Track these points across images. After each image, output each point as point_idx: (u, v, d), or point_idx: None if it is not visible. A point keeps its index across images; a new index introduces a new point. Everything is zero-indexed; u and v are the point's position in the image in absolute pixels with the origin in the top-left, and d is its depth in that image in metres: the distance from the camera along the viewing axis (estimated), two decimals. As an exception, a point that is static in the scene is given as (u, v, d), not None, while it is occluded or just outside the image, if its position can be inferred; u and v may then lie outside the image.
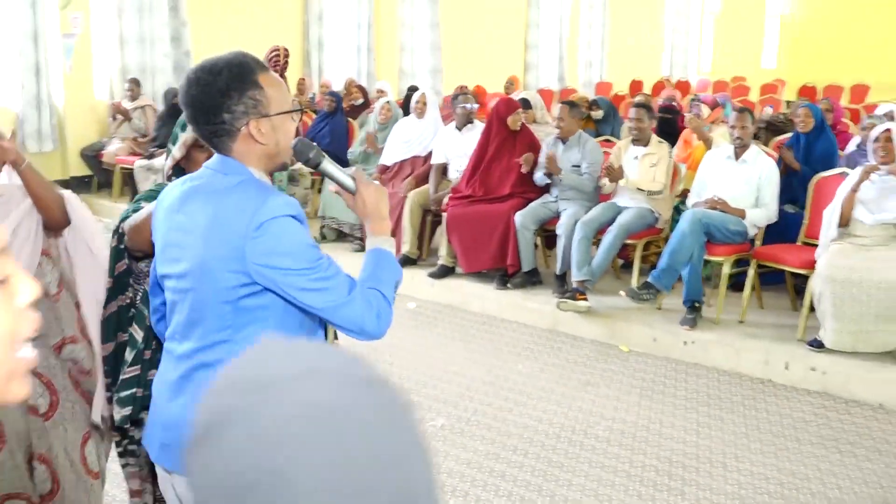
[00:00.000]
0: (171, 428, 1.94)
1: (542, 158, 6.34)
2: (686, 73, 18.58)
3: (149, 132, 9.55)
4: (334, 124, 8.90)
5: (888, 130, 5.03)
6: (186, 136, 2.44)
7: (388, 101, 8.07)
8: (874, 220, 5.03)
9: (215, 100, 1.89)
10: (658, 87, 15.31)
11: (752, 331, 5.47)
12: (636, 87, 15.89)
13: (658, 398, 4.85)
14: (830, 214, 5.13)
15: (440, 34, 13.60)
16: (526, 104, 8.25)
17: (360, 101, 10.44)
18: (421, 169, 7.30)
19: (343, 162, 8.33)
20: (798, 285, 5.77)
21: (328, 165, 2.06)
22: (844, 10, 19.97)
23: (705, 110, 7.36)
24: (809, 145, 6.16)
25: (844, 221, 5.11)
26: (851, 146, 6.30)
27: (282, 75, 8.74)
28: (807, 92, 16.77)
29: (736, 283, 5.76)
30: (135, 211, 2.51)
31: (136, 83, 9.86)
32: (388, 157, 7.55)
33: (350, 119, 9.33)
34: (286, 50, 8.31)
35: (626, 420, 4.55)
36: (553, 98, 13.03)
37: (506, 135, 6.56)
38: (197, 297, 1.92)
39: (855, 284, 4.83)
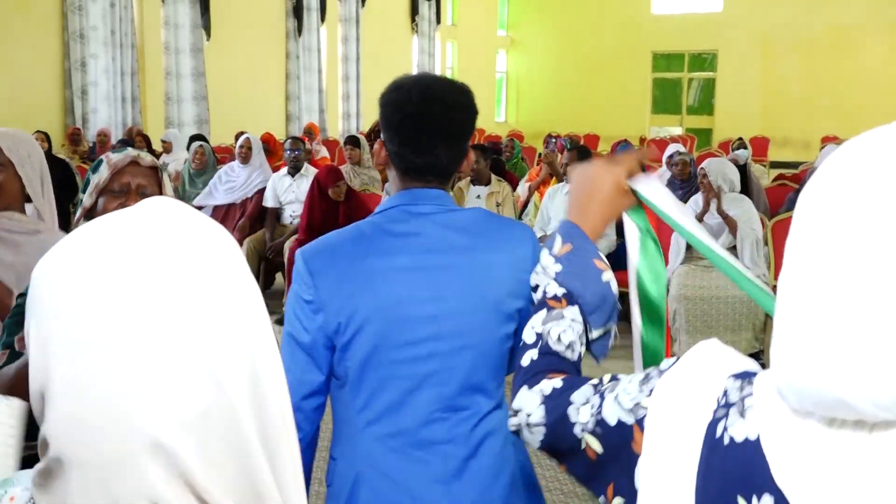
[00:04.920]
0: None
1: None
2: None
3: None
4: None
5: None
6: (100, 177, 1.94)
7: (201, 145, 7.77)
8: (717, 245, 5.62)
9: (472, 119, 1.65)
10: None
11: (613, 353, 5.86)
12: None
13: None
14: (678, 241, 5.67)
15: (205, 84, 13.31)
16: (355, 141, 8.25)
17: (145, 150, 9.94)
18: (251, 207, 7.07)
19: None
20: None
21: None
22: (559, 71, 22.00)
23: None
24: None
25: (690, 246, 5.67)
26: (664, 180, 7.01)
27: None
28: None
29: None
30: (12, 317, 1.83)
31: None
32: (207, 200, 7.21)
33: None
34: None
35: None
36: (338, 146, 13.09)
37: (328, 204, 6.13)
38: (472, 355, 1.56)
39: (705, 301, 5.39)
